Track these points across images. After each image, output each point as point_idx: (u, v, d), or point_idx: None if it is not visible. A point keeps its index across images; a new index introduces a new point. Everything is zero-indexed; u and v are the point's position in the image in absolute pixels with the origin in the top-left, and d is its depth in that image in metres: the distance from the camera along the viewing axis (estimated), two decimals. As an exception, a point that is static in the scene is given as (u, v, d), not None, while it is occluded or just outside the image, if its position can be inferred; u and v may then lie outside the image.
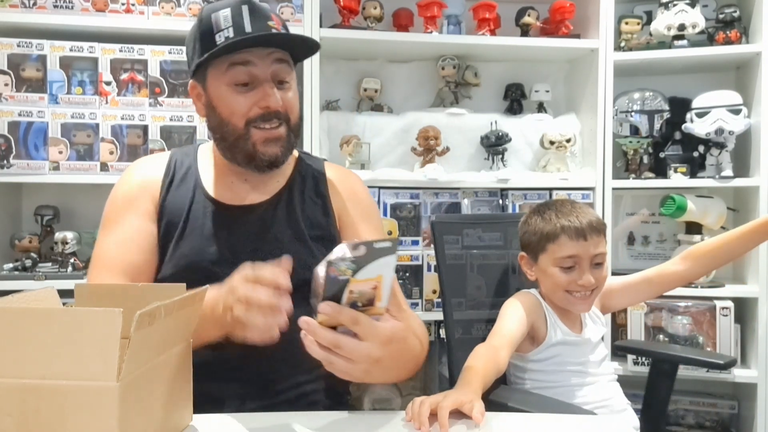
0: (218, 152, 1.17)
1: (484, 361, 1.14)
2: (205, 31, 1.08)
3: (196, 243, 1.10)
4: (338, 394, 1.14)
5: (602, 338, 1.42)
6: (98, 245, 1.13)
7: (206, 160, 1.21)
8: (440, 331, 2.08)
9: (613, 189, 2.14)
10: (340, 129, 2.17)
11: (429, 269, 2.08)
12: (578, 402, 1.28)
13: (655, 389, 1.53)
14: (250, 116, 1.08)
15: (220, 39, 1.06)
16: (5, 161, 1.84)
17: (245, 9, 1.08)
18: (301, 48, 1.16)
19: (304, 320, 0.77)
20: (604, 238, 1.34)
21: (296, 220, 1.15)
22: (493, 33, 2.19)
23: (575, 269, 1.32)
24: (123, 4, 1.91)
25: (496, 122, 2.21)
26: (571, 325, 1.38)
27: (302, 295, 0.91)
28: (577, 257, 1.31)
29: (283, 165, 1.14)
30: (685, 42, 2.16)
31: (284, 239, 1.12)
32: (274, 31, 1.08)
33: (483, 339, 1.31)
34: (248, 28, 1.06)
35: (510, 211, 2.14)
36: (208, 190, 1.16)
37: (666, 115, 2.19)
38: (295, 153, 1.25)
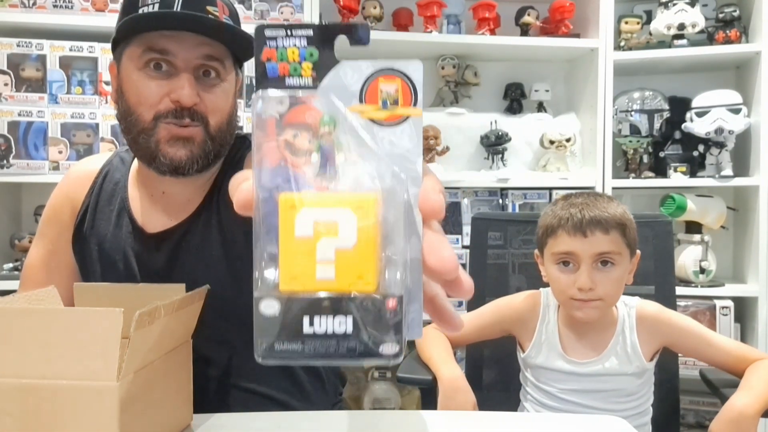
0: None
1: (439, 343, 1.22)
2: (130, 3, 0.91)
3: (113, 281, 0.96)
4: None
5: (631, 373, 1.17)
6: (29, 254, 1.05)
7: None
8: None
9: (613, 188, 2.14)
10: (340, 129, 2.16)
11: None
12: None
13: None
14: (159, 109, 0.89)
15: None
16: (5, 161, 1.84)
17: None
18: (240, 45, 0.92)
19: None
20: (620, 236, 1.13)
21: (209, 246, 0.95)
22: (492, 32, 2.19)
23: (574, 269, 1.14)
24: (123, 4, 1.91)
25: (495, 122, 2.21)
26: (580, 349, 1.19)
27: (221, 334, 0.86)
28: (573, 255, 1.13)
29: (193, 174, 0.92)
30: (684, 41, 2.16)
31: (196, 272, 0.94)
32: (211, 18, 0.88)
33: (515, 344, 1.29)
34: (178, 6, 0.87)
35: (510, 210, 2.14)
36: (134, 212, 0.99)
37: (666, 115, 2.19)
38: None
